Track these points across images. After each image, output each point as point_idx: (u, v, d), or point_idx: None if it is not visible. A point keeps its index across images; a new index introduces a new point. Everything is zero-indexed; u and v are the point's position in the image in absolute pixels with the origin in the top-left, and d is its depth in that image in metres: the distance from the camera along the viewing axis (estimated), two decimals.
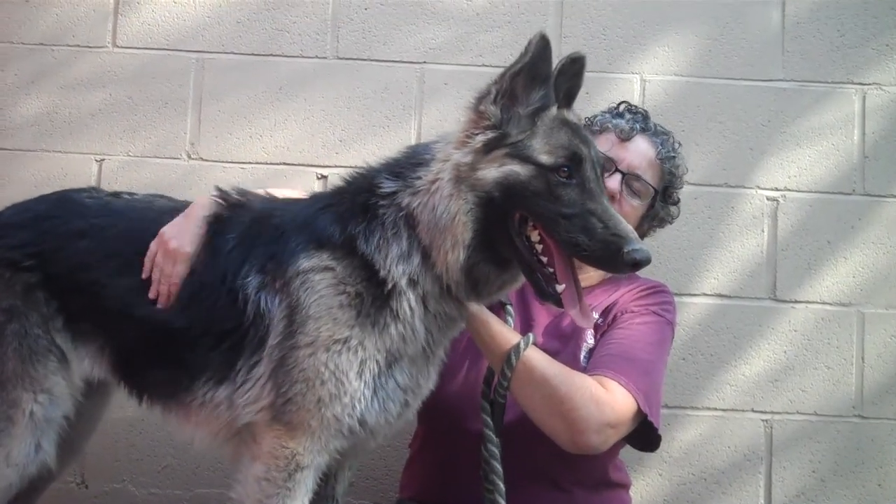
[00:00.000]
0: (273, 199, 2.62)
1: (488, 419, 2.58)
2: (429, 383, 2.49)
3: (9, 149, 3.65)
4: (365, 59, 3.71)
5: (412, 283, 2.33)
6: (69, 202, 2.64)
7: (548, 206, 2.22)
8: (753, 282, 3.59)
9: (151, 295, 2.45)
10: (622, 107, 3.07)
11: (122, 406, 3.01)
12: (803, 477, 3.53)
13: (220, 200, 2.57)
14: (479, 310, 2.51)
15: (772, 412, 3.54)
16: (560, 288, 2.25)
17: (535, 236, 2.27)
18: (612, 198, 2.84)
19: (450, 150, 2.33)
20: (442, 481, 2.84)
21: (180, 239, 2.47)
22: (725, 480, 3.53)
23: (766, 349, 3.56)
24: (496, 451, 2.56)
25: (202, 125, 3.68)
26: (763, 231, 3.62)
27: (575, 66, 2.37)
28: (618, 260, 2.16)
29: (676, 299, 3.49)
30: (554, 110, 2.32)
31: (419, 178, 2.34)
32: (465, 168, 2.27)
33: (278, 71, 3.70)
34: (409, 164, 2.39)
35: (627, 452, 3.17)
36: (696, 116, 3.65)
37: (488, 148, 2.27)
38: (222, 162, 3.67)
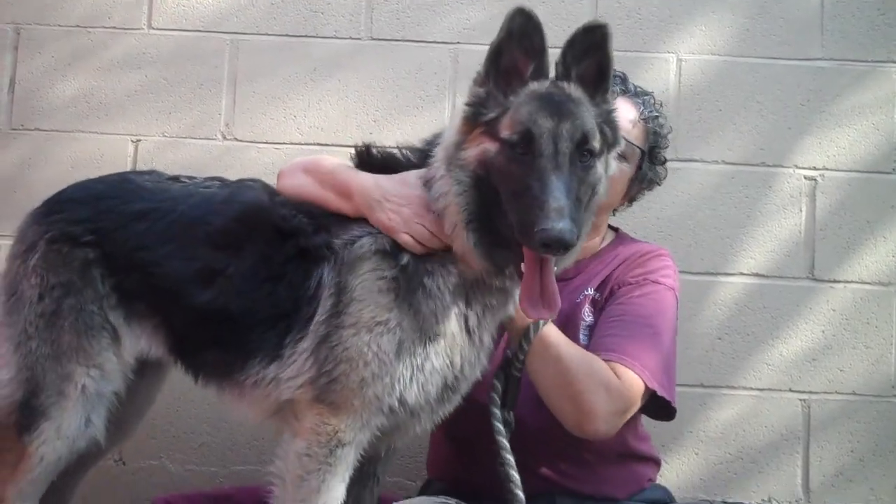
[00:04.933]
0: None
1: (496, 397, 2.55)
2: (475, 370, 2.46)
3: (46, 129, 3.68)
4: (399, 40, 3.71)
5: (440, 264, 2.34)
6: (129, 183, 2.66)
7: (505, 183, 2.20)
8: (791, 261, 3.57)
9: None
10: None
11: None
12: (841, 457, 3.51)
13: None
14: None
15: (810, 392, 3.52)
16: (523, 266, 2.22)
17: None
18: None
19: (448, 130, 2.37)
20: (462, 461, 2.84)
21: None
22: (762, 460, 3.51)
23: (803, 329, 3.54)
24: (500, 426, 2.53)
25: (237, 106, 3.69)
26: (801, 210, 3.59)
27: (590, 37, 2.26)
28: (531, 238, 2.07)
29: (713, 279, 3.53)
30: (536, 84, 2.26)
31: (432, 164, 2.38)
32: (452, 147, 2.29)
33: (312, 52, 3.71)
34: (431, 149, 2.43)
35: (663, 431, 3.19)
36: (733, 96, 3.63)
37: (469, 127, 2.27)
38: (257, 143, 3.68)
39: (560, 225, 2.01)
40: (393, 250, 2.37)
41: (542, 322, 2.50)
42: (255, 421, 2.52)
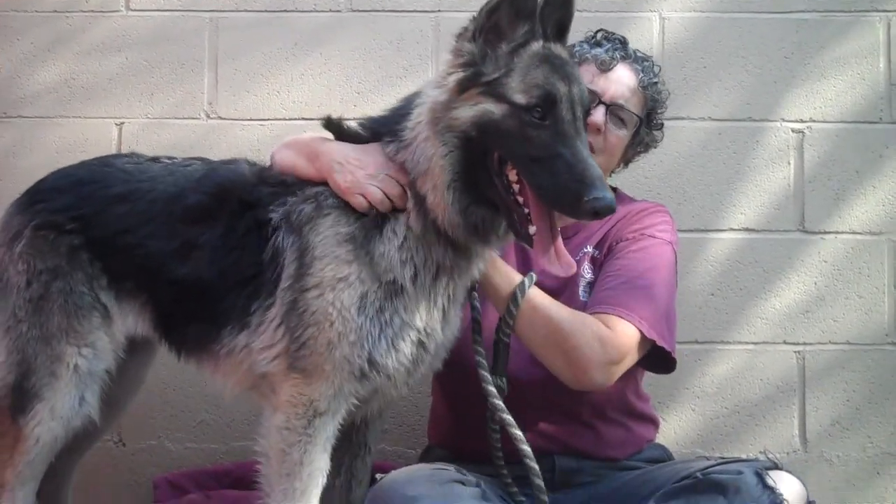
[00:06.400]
0: None
1: (483, 360, 2.54)
2: (439, 328, 2.44)
3: (29, 116, 3.66)
4: (379, 11, 3.68)
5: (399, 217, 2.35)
6: (109, 167, 2.67)
7: (519, 147, 2.17)
8: (781, 214, 3.57)
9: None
10: (599, 35, 2.97)
11: (156, 365, 3.04)
12: (837, 406, 3.53)
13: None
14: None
15: (804, 343, 3.54)
16: (532, 230, 2.21)
17: (513, 176, 2.22)
18: (597, 130, 2.78)
19: (430, 91, 2.32)
20: (461, 426, 2.86)
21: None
22: (759, 413, 3.54)
23: (796, 281, 3.55)
24: (492, 389, 2.52)
25: (219, 84, 3.67)
26: (789, 163, 3.59)
27: None
28: (577, 207, 2.10)
29: (704, 235, 3.54)
30: (536, 45, 2.24)
31: (404, 129, 2.35)
32: (440, 107, 2.25)
33: (293, 27, 3.68)
34: (399, 117, 2.39)
35: (660, 388, 3.21)
36: (717, 52, 3.62)
37: (463, 86, 2.22)
38: (241, 120, 3.66)
39: (609, 194, 2.09)
40: (349, 210, 2.37)
41: (527, 286, 2.51)
42: (233, 393, 2.53)
